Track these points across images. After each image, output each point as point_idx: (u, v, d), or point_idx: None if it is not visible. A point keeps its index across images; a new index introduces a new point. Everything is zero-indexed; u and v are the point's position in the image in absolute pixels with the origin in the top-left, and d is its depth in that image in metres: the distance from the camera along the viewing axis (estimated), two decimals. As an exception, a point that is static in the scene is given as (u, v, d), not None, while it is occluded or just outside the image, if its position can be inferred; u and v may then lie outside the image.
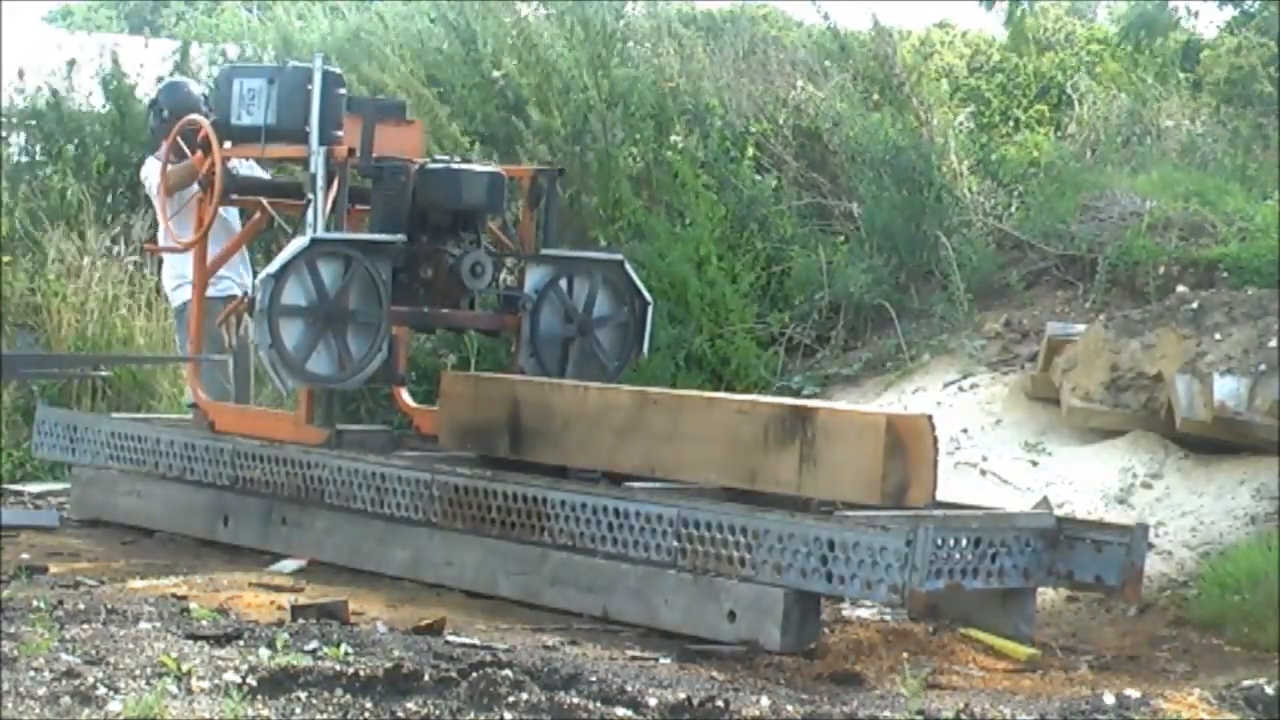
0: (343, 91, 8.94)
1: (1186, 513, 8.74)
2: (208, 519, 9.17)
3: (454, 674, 5.54)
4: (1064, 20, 19.41)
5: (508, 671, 5.57)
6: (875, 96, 13.02)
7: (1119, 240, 11.28)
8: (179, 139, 9.54)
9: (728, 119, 12.93)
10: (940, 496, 7.47)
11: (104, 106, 14.10)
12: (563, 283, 9.16)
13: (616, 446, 7.99)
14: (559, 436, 8.20)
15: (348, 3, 17.02)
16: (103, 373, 11.18)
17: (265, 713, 5.12)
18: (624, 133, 12.25)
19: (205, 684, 5.27)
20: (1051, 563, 7.36)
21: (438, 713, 5.25)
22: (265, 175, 9.83)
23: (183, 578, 8.07)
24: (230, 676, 5.35)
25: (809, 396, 10.71)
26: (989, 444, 9.75)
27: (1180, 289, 10.28)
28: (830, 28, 14.18)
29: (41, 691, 5.02)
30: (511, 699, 5.36)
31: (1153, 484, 9.03)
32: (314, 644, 5.99)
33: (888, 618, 7.61)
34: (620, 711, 5.43)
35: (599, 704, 5.46)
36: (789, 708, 5.71)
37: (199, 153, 9.27)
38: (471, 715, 5.26)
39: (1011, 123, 14.59)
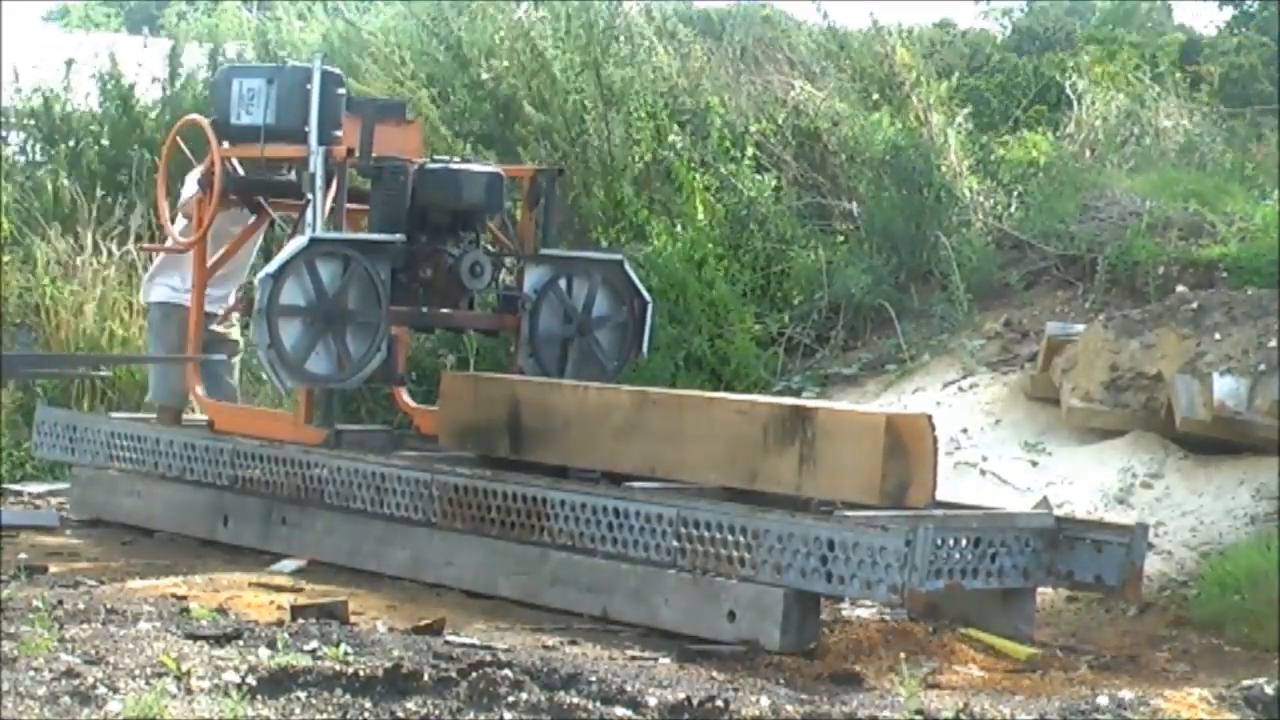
0: (342, 91, 8.94)
1: (1186, 513, 8.74)
2: (208, 519, 9.17)
3: (454, 674, 5.54)
4: (1064, 20, 19.43)
5: (507, 671, 5.57)
6: (875, 96, 13.01)
7: (1119, 240, 11.29)
8: (178, 139, 9.57)
9: (728, 119, 12.93)
10: (940, 496, 7.47)
11: (99, 107, 14.11)
12: (562, 283, 9.16)
13: (616, 446, 7.99)
14: (559, 436, 8.20)
15: (347, 3, 17.02)
16: (103, 373, 11.18)
17: (265, 713, 5.12)
18: (623, 133, 12.25)
19: (205, 684, 5.27)
20: (1051, 563, 7.36)
21: (437, 713, 5.24)
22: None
23: (182, 578, 8.07)
24: (230, 676, 5.34)
25: (809, 396, 10.71)
26: (989, 444, 9.75)
27: (1180, 289, 10.28)
28: (830, 27, 14.19)
29: (41, 691, 5.02)
30: (511, 699, 5.36)
31: (1153, 484, 9.03)
32: (314, 644, 5.98)
33: (887, 618, 7.60)
34: (620, 711, 5.43)
35: (599, 704, 5.46)
36: (789, 707, 5.71)
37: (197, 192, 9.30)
38: (471, 715, 5.26)
39: (1011, 123, 14.58)
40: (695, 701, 5.51)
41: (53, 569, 8.20)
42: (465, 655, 6.10)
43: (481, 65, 12.91)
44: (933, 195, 12.05)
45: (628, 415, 7.98)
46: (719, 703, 5.52)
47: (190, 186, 9.62)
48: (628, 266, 9.36)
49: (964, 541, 7.11)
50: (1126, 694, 6.24)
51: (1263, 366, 8.84)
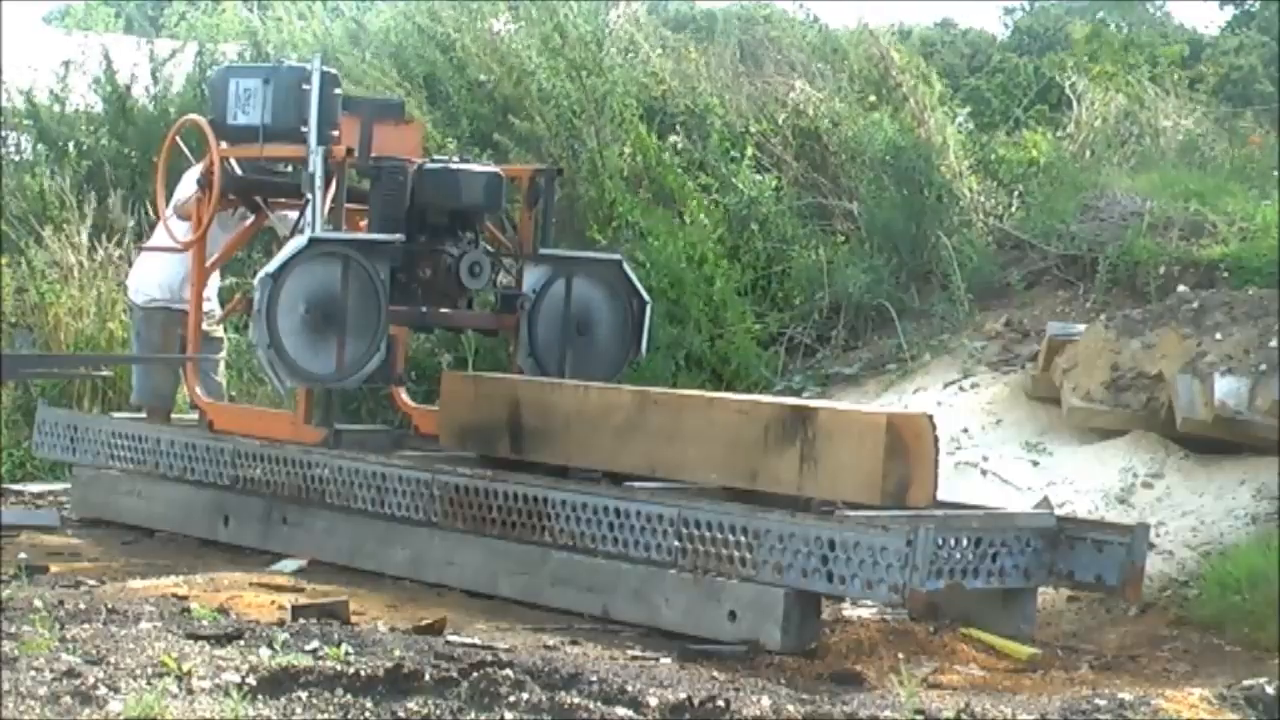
0: (338, 92, 8.94)
1: (1187, 513, 8.74)
2: (208, 519, 9.17)
3: (454, 674, 5.54)
4: (1064, 20, 19.43)
5: (508, 671, 5.56)
6: (871, 97, 13.01)
7: (1119, 240, 11.29)
8: (177, 139, 9.57)
9: (727, 119, 12.93)
10: (941, 496, 7.47)
11: (92, 106, 14.12)
12: (561, 283, 9.16)
13: (617, 446, 7.99)
14: (559, 436, 8.19)
15: (347, 3, 17.04)
16: (103, 373, 11.18)
17: (265, 712, 5.12)
18: (612, 135, 12.23)
19: (205, 684, 5.27)
20: (1052, 562, 7.36)
21: (438, 713, 5.24)
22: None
23: (183, 577, 8.07)
24: (231, 676, 5.34)
25: (810, 396, 10.71)
26: (989, 444, 9.74)
27: (1180, 289, 10.28)
28: (821, 28, 14.20)
29: (42, 691, 5.01)
30: (512, 699, 5.36)
31: (1153, 484, 9.03)
32: (314, 644, 5.98)
33: (888, 617, 7.60)
34: (621, 711, 5.43)
35: (599, 704, 5.46)
36: (789, 707, 5.71)
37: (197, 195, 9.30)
38: (472, 715, 5.26)
39: (1011, 123, 14.59)
40: (696, 701, 5.51)
41: (53, 569, 8.20)
42: (466, 655, 6.10)
43: (474, 69, 12.90)
44: (933, 195, 12.05)
45: (628, 415, 7.98)
46: (720, 703, 5.52)
47: (186, 186, 9.62)
48: (626, 266, 9.37)
49: (965, 541, 7.11)
50: (1127, 694, 6.24)
51: (1263, 366, 8.84)
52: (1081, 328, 9.91)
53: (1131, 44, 15.29)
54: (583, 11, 12.82)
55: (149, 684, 5.20)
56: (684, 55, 13.68)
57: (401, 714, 5.21)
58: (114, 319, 12.09)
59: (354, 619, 6.97)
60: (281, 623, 6.61)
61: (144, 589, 7.64)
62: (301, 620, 6.67)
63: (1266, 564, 7.65)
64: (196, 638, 5.99)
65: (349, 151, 8.70)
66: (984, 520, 7.37)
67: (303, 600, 7.36)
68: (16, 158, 14.09)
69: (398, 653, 5.99)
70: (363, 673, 5.47)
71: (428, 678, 5.48)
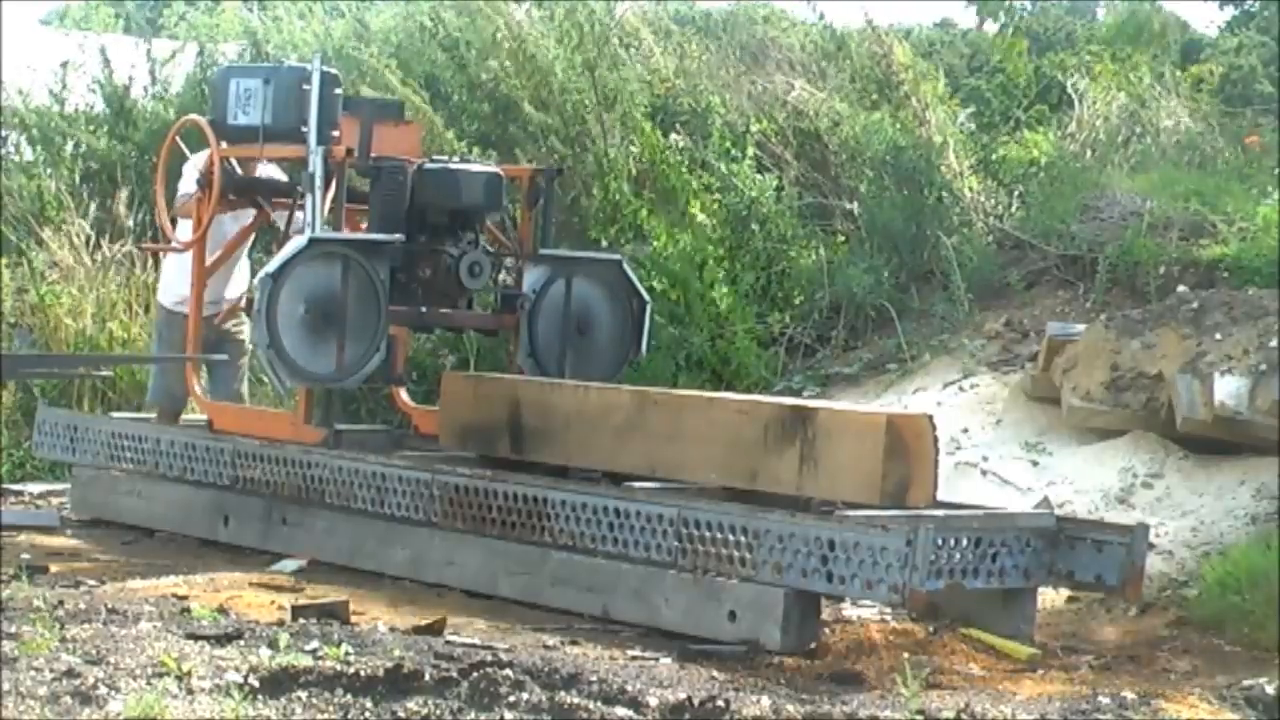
0: (338, 92, 8.94)
1: (1187, 513, 8.74)
2: (208, 519, 9.17)
3: (454, 674, 5.54)
4: (1064, 20, 19.42)
5: (508, 671, 5.57)
6: (874, 96, 13.01)
7: (1119, 240, 11.28)
8: (178, 138, 9.57)
9: (728, 118, 12.93)
10: (941, 496, 7.47)
11: (92, 106, 14.11)
12: (561, 283, 9.16)
13: (617, 446, 7.99)
14: (559, 436, 8.20)
15: (347, 2, 17.04)
16: (103, 373, 11.18)
17: (266, 712, 5.12)
18: (621, 134, 12.24)
19: (206, 684, 5.27)
20: (1052, 562, 7.36)
21: (438, 712, 5.25)
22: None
23: (183, 578, 8.07)
24: (231, 676, 5.35)
25: (810, 396, 10.71)
26: (989, 444, 9.75)
27: (1180, 289, 10.27)
28: (826, 26, 14.19)
29: (42, 691, 5.02)
30: (512, 699, 5.36)
31: (1153, 484, 9.03)
32: (314, 644, 5.99)
33: (888, 617, 7.61)
34: (620, 711, 5.43)
35: (599, 704, 5.46)
36: (789, 707, 5.71)
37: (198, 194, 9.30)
38: (472, 715, 5.26)
39: (1011, 123, 14.58)
40: (696, 701, 5.51)
41: (53, 569, 8.20)
42: (466, 655, 6.10)
43: (479, 66, 12.90)
44: (934, 195, 12.04)
45: (628, 415, 7.98)
46: (720, 703, 5.52)
47: (188, 180, 9.61)
48: (627, 266, 9.37)
49: (965, 541, 7.11)
50: (1127, 694, 6.24)
51: (1263, 366, 8.84)
52: (1081, 328, 9.91)
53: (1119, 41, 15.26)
54: (597, 8, 12.83)
55: (149, 684, 5.20)
56: (688, 52, 13.68)
57: (401, 714, 5.21)
58: (114, 319, 12.09)
59: (354, 619, 6.98)
60: (281, 623, 6.62)
61: (144, 589, 7.64)
62: (301, 620, 6.68)
63: (1266, 564, 7.65)
64: (196, 638, 6.00)
65: (349, 152, 8.70)
66: (984, 520, 7.37)
67: (303, 600, 7.36)
68: (16, 158, 14.08)
69: (398, 653, 5.99)
70: (363, 673, 5.47)
71: (428, 678, 5.49)
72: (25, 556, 8.38)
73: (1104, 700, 6.10)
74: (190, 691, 5.19)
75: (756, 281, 11.82)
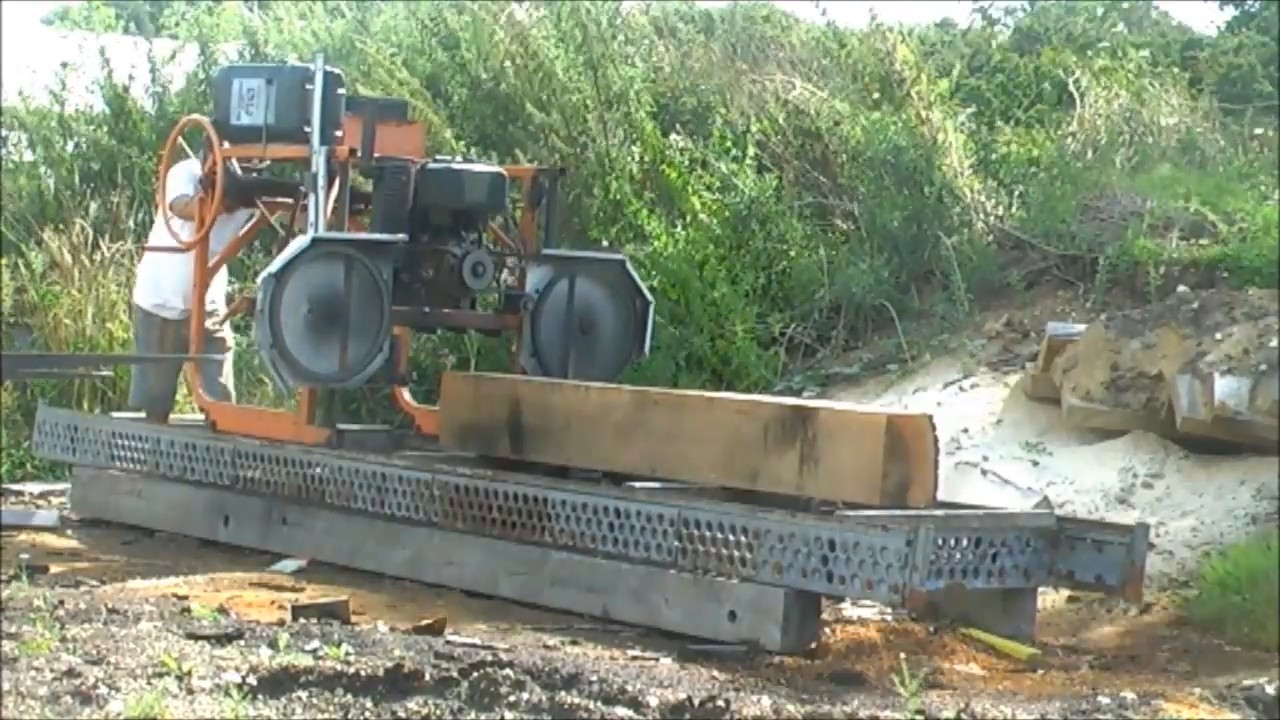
0: (341, 92, 8.94)
1: (1187, 513, 8.75)
2: (208, 519, 9.17)
3: (455, 674, 5.54)
4: (1064, 20, 19.40)
5: (508, 671, 5.57)
6: (875, 95, 13.01)
7: (1119, 240, 11.29)
8: (180, 139, 9.58)
9: (728, 118, 12.93)
10: (941, 496, 7.47)
11: (92, 107, 14.12)
12: (564, 283, 9.16)
13: (617, 446, 7.99)
14: (560, 436, 8.20)
15: (348, 2, 17.04)
16: (103, 373, 11.19)
17: (266, 712, 5.12)
18: (624, 133, 12.25)
19: (206, 684, 5.27)
20: (1052, 562, 7.36)
21: (438, 712, 5.25)
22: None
23: (183, 578, 8.08)
24: (231, 676, 5.35)
25: (810, 396, 10.71)
26: (989, 444, 9.75)
27: (1180, 289, 10.28)
28: (829, 25, 14.19)
29: (42, 691, 5.02)
30: (512, 699, 5.36)
31: (1153, 484, 9.03)
32: (315, 644, 5.99)
33: (888, 617, 7.61)
34: (621, 711, 5.43)
35: (599, 704, 5.46)
36: (789, 707, 5.71)
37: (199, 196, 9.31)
38: (472, 715, 5.26)
39: (1012, 123, 14.57)
40: (696, 701, 5.52)
41: (53, 569, 8.21)
42: (466, 655, 6.10)
43: (480, 66, 12.91)
44: (934, 195, 12.04)
45: (629, 415, 7.98)
46: (720, 703, 5.52)
47: (175, 182, 9.61)
48: (629, 266, 9.37)
49: (965, 541, 7.11)
50: (1127, 694, 6.24)
51: (1263, 366, 8.84)
52: (1081, 328, 9.92)
53: (1131, 44, 15.28)
54: (600, 8, 12.83)
55: (149, 684, 5.20)
56: (690, 51, 13.67)
57: (401, 714, 5.21)
58: (114, 319, 12.10)
59: (354, 619, 6.98)
60: (281, 623, 6.62)
61: (144, 589, 7.65)
62: (301, 620, 6.68)
63: (1266, 564, 7.65)
64: (196, 638, 6.00)
65: (352, 152, 8.70)
66: (984, 520, 7.37)
67: (303, 600, 7.36)
68: (16, 158, 14.08)
69: (398, 653, 5.99)
70: (363, 673, 5.47)
71: (428, 678, 5.49)
72: (25, 556, 8.39)
73: (1104, 700, 6.11)
74: (190, 691, 5.20)
75: (756, 281, 11.83)
